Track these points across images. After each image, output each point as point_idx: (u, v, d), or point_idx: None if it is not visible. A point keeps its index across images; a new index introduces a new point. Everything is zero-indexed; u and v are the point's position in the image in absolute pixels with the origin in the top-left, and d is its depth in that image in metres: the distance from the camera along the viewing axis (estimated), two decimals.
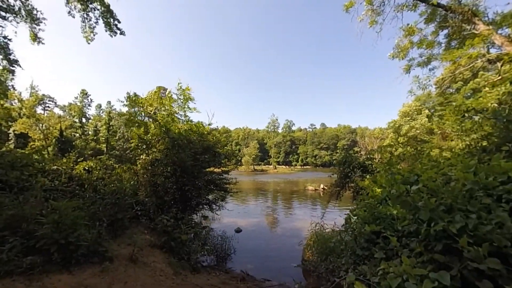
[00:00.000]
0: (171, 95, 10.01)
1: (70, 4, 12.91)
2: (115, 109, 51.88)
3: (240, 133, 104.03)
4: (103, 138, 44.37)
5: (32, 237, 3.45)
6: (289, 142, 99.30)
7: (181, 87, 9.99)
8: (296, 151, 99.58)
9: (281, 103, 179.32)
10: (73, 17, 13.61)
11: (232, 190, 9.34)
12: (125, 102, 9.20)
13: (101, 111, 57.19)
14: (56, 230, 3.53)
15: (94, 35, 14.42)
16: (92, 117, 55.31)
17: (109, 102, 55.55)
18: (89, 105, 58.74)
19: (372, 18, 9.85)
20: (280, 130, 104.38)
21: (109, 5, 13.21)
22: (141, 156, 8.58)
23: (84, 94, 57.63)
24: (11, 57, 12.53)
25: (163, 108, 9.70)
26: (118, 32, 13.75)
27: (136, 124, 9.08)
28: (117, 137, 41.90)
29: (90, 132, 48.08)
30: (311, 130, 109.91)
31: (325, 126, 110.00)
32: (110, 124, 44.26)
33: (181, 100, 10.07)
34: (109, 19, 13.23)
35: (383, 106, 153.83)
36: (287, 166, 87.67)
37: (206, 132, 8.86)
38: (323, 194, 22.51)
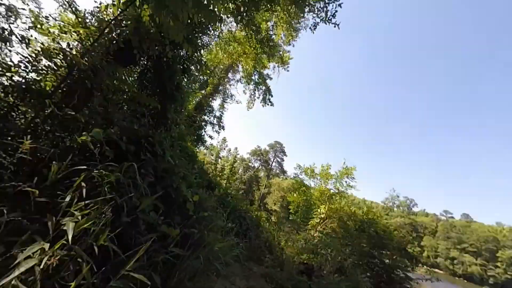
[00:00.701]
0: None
1: (246, 86, 19.45)
2: (239, 153, 64.97)
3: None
4: (225, 176, 55.41)
5: None
6: (408, 226, 77.20)
7: (345, 166, 11.85)
8: (419, 243, 74.89)
9: (399, 171, 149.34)
10: (245, 93, 20.02)
11: None
12: (299, 171, 12.59)
13: (229, 154, 72.98)
14: None
15: (253, 105, 20.38)
16: (221, 158, 71.81)
17: (235, 148, 70.54)
18: (224, 149, 76.97)
19: None
20: (395, 208, 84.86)
21: (269, 86, 18.76)
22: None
23: (224, 141, 76.83)
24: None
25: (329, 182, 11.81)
26: (269, 104, 18.85)
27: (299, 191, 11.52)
28: (235, 178, 50.96)
29: (218, 169, 61.97)
30: (445, 219, 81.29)
31: (470, 219, 77.88)
32: (234, 166, 54.90)
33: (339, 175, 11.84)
34: (266, 95, 18.66)
35: None
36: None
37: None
38: None
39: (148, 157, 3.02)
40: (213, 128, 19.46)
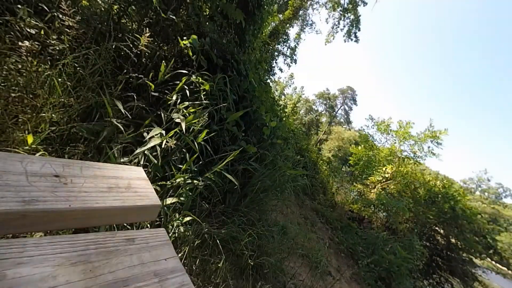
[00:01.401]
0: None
1: (331, 13, 16.07)
2: (304, 94, 61.60)
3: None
4: (286, 114, 55.44)
5: None
6: (487, 215, 65.22)
7: (430, 128, 9.81)
8: (491, 235, 64.24)
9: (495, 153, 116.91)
10: (327, 23, 16.83)
11: None
12: (371, 123, 10.93)
13: (294, 93, 70.22)
14: None
15: (333, 39, 17.28)
16: (286, 95, 70.21)
17: (302, 87, 66.47)
18: (290, 86, 73.93)
19: None
20: (477, 193, 70.73)
21: (360, 15, 14.97)
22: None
23: (291, 77, 72.76)
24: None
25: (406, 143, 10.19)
26: (354, 39, 15.51)
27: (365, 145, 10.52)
28: (295, 117, 50.47)
29: (280, 106, 61.90)
30: None
31: None
32: (296, 105, 53.46)
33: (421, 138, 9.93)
34: (353, 27, 15.18)
35: None
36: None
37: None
38: None
39: (234, 74, 3.01)
40: (284, 60, 18.07)
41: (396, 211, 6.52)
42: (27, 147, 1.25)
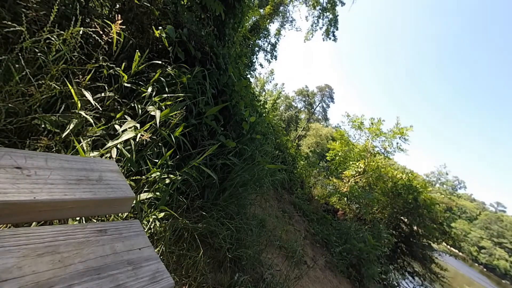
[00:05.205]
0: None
1: (310, 11, 16.38)
2: (284, 90, 62.39)
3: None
4: (266, 110, 55.91)
5: None
6: (445, 206, 72.93)
7: (398, 125, 10.61)
8: (448, 222, 72.14)
9: (454, 149, 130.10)
10: (307, 20, 17.12)
11: None
12: (347, 120, 11.53)
13: (274, 89, 70.84)
14: None
15: (312, 37, 17.66)
16: (266, 91, 70.57)
17: (282, 84, 67.26)
18: (270, 82, 74.30)
19: None
20: (437, 185, 78.60)
21: (337, 15, 15.44)
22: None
23: (271, 73, 73.13)
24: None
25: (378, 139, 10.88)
26: (332, 38, 15.99)
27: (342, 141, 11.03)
28: (275, 113, 51.14)
29: (260, 102, 62.24)
30: (493, 210, 73.50)
31: (503, 209, 69.14)
32: (276, 101, 53.98)
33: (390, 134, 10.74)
34: (331, 26, 15.63)
35: None
36: None
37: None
38: None
39: (213, 67, 2.96)
40: (265, 56, 18.11)
41: (367, 203, 7.02)
42: None
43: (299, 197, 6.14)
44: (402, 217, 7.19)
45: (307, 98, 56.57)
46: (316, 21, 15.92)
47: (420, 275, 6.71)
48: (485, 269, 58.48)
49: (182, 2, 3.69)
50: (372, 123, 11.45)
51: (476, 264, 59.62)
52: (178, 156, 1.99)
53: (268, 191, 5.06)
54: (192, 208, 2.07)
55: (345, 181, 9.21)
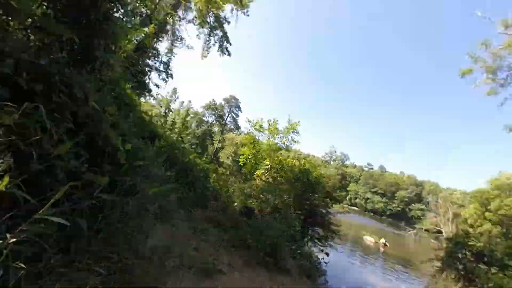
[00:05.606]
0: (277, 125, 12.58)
1: (201, 29, 17.13)
2: (192, 107, 61.39)
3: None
4: (177, 130, 52.98)
5: None
6: (339, 177, 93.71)
7: (290, 122, 12.46)
8: (345, 188, 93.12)
9: (338, 131, 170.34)
10: (199, 39, 17.81)
11: None
12: (249, 125, 12.43)
13: (181, 108, 68.29)
14: None
15: (208, 53, 18.50)
16: (173, 110, 66.93)
17: (189, 101, 65.93)
18: (175, 101, 70.88)
19: (494, 89, 9.73)
20: (331, 162, 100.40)
21: (226, 32, 16.97)
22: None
23: (174, 92, 70.12)
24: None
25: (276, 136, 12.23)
26: (227, 53, 17.38)
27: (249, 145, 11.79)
28: (188, 132, 49.27)
29: (168, 123, 58.26)
30: (367, 170, 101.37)
31: (384, 170, 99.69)
32: (186, 119, 52.19)
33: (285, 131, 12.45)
34: (223, 43, 17.00)
35: (465, 167, 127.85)
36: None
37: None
38: (384, 251, 22.16)
39: (63, 100, 2.60)
40: (159, 75, 17.33)
41: (275, 194, 8.04)
42: None
43: (213, 210, 6.23)
44: (303, 196, 8.75)
45: (216, 111, 58.19)
46: (208, 39, 16.83)
47: (324, 237, 8.39)
48: (372, 214, 79.46)
49: (7, 27, 3.00)
50: (269, 124, 13.21)
51: (366, 212, 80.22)
52: (11, 214, 1.63)
53: (179, 215, 4.87)
54: (47, 270, 1.74)
55: (258, 180, 10.14)
